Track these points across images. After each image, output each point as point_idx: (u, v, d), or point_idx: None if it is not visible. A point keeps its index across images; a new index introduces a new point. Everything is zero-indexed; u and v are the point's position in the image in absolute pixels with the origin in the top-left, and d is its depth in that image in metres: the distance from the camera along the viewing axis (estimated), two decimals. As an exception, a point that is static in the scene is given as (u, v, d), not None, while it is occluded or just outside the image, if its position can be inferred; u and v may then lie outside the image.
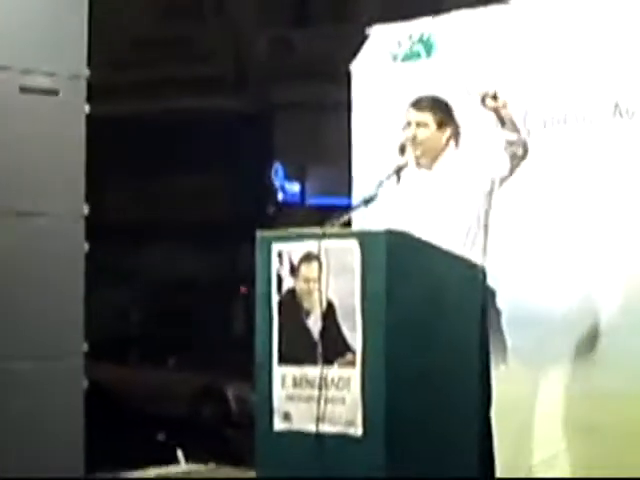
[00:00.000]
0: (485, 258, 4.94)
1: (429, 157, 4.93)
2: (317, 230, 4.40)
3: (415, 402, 4.21)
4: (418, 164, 4.97)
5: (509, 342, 5.19)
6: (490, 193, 4.97)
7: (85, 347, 5.92)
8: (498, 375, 4.78)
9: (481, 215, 4.96)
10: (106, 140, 9.74)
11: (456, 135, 5.04)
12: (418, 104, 5.03)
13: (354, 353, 4.21)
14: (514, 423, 5.37)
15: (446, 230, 4.79)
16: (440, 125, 4.98)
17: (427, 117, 4.96)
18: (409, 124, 5.01)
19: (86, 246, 6.16)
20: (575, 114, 6.09)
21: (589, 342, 5.39)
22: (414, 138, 4.93)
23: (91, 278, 6.24)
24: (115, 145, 12.49)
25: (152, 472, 7.16)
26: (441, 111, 5.05)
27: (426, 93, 5.35)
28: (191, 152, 14.75)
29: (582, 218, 5.89)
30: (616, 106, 5.85)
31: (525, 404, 5.42)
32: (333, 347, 4.31)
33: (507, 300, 5.30)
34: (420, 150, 4.90)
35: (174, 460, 7.66)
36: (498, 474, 4.76)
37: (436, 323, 4.41)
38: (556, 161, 5.98)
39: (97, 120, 6.45)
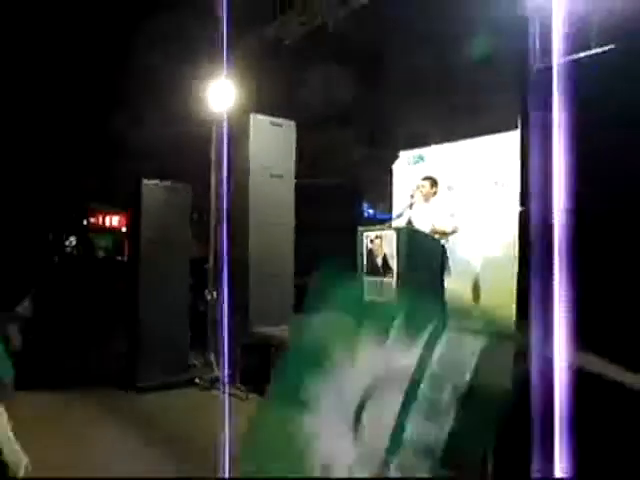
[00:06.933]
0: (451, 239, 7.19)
1: (427, 198, 7.73)
2: (380, 227, 6.71)
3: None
4: (423, 201, 7.64)
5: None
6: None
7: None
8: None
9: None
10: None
11: (436, 190, 7.78)
12: (424, 178, 7.87)
13: (393, 272, 6.54)
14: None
15: (436, 226, 7.19)
16: (431, 186, 7.85)
17: (426, 183, 7.87)
18: (420, 186, 7.75)
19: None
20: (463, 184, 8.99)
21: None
22: (422, 190, 7.68)
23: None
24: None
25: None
26: (432, 181, 7.91)
27: (424, 176, 8.04)
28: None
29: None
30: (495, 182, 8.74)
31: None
32: (385, 269, 6.57)
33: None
34: (423, 196, 7.73)
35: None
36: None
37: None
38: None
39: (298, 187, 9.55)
